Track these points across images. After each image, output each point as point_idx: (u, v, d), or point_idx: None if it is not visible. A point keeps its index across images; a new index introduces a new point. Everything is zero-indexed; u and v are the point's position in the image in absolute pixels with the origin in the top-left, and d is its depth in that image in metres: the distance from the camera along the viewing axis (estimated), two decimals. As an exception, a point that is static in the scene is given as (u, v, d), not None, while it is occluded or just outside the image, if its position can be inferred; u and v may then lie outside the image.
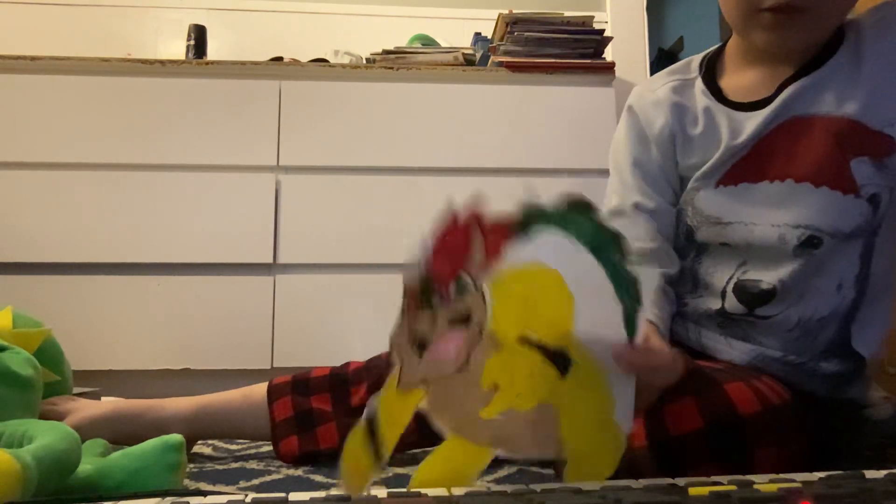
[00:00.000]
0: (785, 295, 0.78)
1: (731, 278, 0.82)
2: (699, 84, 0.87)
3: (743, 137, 0.80)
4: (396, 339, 0.47)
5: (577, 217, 0.48)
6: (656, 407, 0.64)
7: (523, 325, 0.49)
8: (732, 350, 0.82)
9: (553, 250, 0.48)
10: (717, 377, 0.68)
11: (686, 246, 0.86)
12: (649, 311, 0.72)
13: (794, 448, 0.65)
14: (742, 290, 0.81)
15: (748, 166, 0.80)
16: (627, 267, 0.49)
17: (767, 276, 0.79)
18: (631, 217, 0.86)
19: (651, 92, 0.89)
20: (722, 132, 0.82)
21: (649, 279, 0.79)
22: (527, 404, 0.49)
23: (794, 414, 0.68)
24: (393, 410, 0.47)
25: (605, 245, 0.48)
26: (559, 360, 0.49)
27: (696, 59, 0.90)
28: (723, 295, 0.82)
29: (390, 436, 0.46)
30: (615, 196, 0.89)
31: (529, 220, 0.48)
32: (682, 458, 0.61)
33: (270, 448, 0.97)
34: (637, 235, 0.83)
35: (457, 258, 0.47)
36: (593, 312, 0.49)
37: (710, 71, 0.87)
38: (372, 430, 0.45)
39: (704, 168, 0.82)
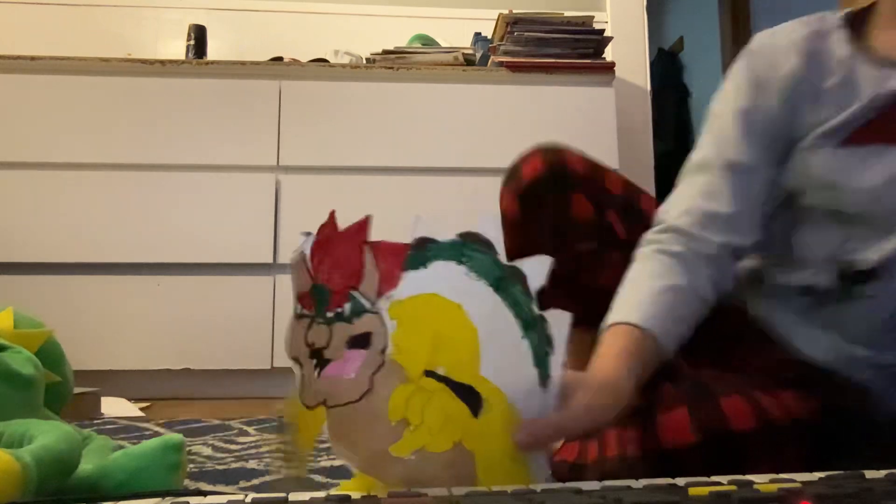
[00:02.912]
0: (886, 274, 0.70)
1: (830, 250, 0.73)
2: (841, 33, 0.76)
3: (890, 93, 0.70)
4: (293, 348, 0.45)
5: (473, 252, 0.47)
6: (650, 416, 0.63)
7: (430, 359, 0.47)
8: (810, 341, 0.75)
9: (452, 283, 0.47)
10: (715, 389, 0.65)
11: (781, 212, 0.77)
12: (641, 315, 0.66)
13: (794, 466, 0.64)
14: (841, 265, 0.72)
15: (888, 125, 0.70)
16: (532, 306, 0.47)
17: (872, 252, 0.71)
18: (715, 174, 0.76)
19: (782, 34, 0.79)
20: (862, 86, 0.72)
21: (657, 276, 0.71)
22: (442, 446, 0.47)
23: (803, 433, 0.64)
24: (304, 424, 0.45)
25: (506, 281, 0.47)
26: (469, 396, 0.47)
27: (833, 13, 0.80)
28: (817, 268, 0.74)
29: (305, 445, 0.45)
30: (707, 147, 0.79)
31: (424, 251, 0.46)
32: (675, 470, 0.61)
33: (271, 448, 0.97)
34: (714, 195, 0.75)
35: (347, 273, 0.45)
36: (500, 350, 0.48)
37: (856, 23, 0.77)
38: (288, 439, 0.44)
39: (832, 123, 0.72)
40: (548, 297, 0.49)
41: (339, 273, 0.45)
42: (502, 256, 0.48)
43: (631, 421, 0.65)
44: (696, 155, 0.79)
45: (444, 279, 0.47)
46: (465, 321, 0.47)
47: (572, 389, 0.52)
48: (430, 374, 0.47)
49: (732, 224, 0.74)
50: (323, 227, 0.45)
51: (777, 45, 0.78)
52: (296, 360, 0.45)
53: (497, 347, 0.48)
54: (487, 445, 0.48)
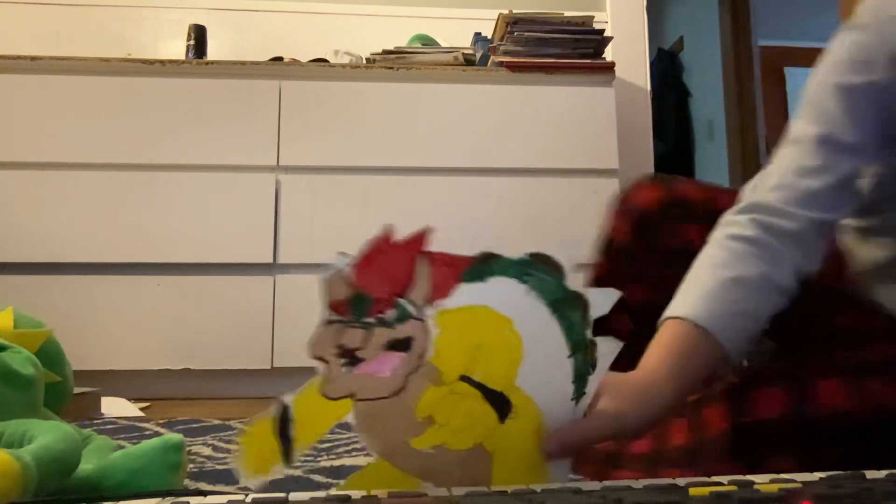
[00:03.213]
0: None
1: None
2: None
3: None
4: (318, 348, 0.45)
5: (539, 271, 0.48)
6: (744, 390, 0.61)
7: (467, 365, 0.48)
8: None
9: (507, 298, 0.48)
10: (813, 369, 0.64)
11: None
12: (698, 309, 0.62)
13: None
14: None
15: None
16: (587, 331, 0.49)
17: None
18: (809, 149, 0.70)
19: (893, 2, 0.72)
20: None
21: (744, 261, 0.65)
22: (462, 444, 0.48)
23: None
24: (313, 415, 0.46)
25: (565, 303, 0.48)
26: (498, 402, 0.48)
27: None
28: None
29: (306, 439, 0.46)
30: (804, 121, 0.73)
31: (486, 265, 0.48)
32: (761, 443, 0.59)
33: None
34: (807, 169, 0.69)
35: (395, 282, 0.46)
36: (543, 366, 0.49)
37: None
38: (282, 430, 0.44)
39: None
40: (607, 324, 0.50)
41: (386, 282, 0.46)
42: (570, 281, 0.48)
43: (719, 398, 0.64)
44: (792, 129, 0.74)
45: (501, 294, 0.48)
46: (510, 333, 0.48)
47: (599, 392, 0.52)
48: (465, 379, 0.48)
49: (824, 200, 0.69)
50: (375, 240, 0.46)
51: (888, 14, 0.71)
52: (320, 358, 0.46)
53: (540, 363, 0.49)
54: (508, 449, 0.49)
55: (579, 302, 0.49)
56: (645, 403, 0.55)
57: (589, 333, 0.49)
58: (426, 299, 0.47)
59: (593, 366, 0.50)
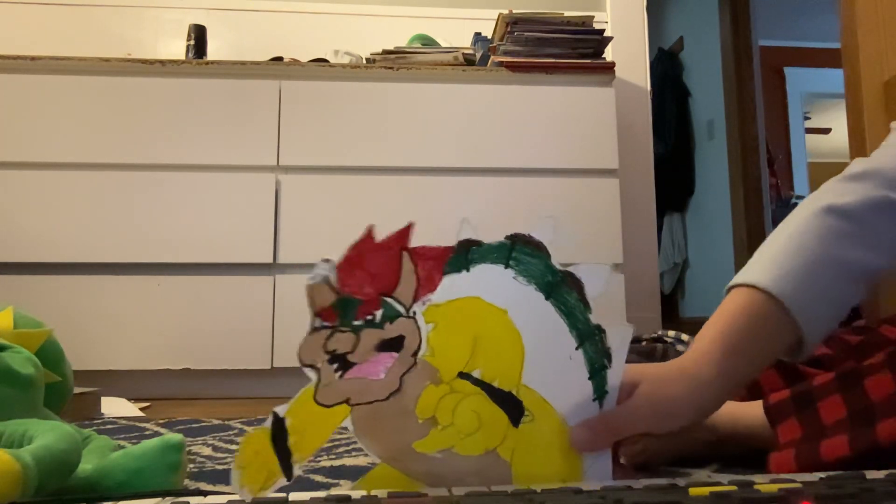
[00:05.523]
0: None
1: None
2: None
3: None
4: (308, 355, 0.44)
5: (523, 255, 0.45)
6: (867, 421, 0.55)
7: (465, 361, 0.45)
8: None
9: (495, 287, 0.45)
10: None
11: None
12: (776, 278, 0.52)
13: None
14: None
15: None
16: (589, 315, 0.45)
17: None
18: None
19: None
20: None
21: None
22: (472, 449, 0.45)
23: None
24: (310, 425, 0.44)
25: (558, 286, 0.45)
26: (508, 404, 0.45)
27: None
28: None
29: (305, 451, 0.44)
30: None
31: (467, 253, 0.45)
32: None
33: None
34: None
35: (380, 281, 0.44)
36: (550, 361, 0.46)
37: None
38: (278, 443, 0.43)
39: None
40: None
41: (370, 282, 0.44)
42: (556, 261, 0.45)
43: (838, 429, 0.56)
44: None
45: (489, 283, 0.45)
46: (507, 326, 0.45)
47: (633, 381, 0.47)
48: (465, 376, 0.46)
49: None
50: (358, 241, 0.44)
51: None
52: (310, 366, 0.44)
53: (547, 358, 0.46)
54: (529, 458, 0.45)
55: (572, 282, 0.45)
56: (688, 392, 0.48)
57: (593, 318, 0.46)
58: (413, 295, 0.44)
59: (608, 357, 0.46)
